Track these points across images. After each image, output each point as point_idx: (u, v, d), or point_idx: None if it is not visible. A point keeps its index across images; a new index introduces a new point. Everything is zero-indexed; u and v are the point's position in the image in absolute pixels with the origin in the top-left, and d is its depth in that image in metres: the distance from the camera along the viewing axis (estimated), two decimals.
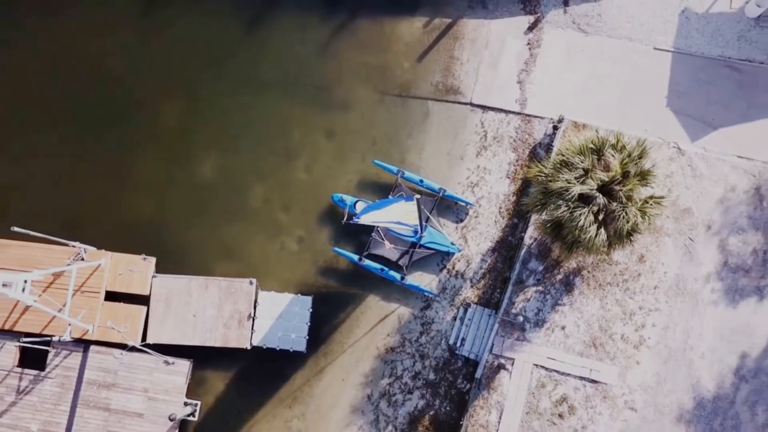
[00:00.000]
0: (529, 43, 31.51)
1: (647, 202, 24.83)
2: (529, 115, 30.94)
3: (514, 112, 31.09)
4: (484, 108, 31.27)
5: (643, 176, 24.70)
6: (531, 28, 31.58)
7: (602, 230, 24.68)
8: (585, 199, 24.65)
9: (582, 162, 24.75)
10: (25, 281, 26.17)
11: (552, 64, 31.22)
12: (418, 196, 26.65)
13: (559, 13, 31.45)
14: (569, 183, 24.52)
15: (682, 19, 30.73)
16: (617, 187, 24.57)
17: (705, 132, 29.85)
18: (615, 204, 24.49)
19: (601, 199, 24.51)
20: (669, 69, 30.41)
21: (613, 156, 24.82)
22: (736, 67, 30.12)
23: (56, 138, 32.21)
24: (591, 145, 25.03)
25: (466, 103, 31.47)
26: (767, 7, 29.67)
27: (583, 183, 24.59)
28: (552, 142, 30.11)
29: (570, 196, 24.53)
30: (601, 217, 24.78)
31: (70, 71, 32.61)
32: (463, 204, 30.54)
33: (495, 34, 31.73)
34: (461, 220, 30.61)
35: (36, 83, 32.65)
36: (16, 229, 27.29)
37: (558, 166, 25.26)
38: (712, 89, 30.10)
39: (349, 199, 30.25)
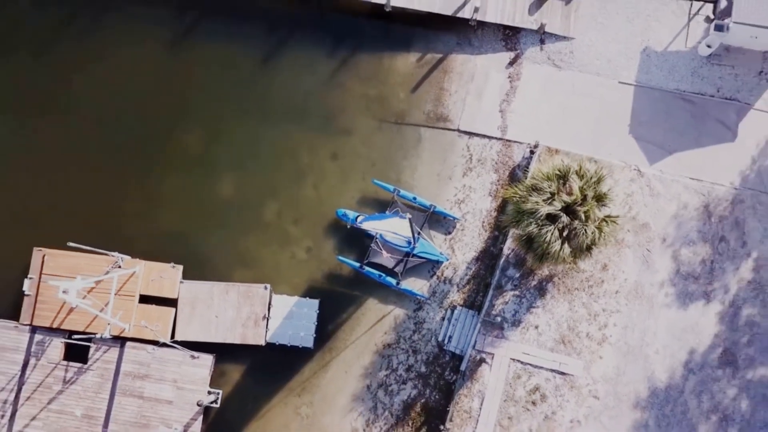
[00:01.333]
0: (509, 77, 34.62)
1: (604, 221, 28.29)
2: (509, 141, 34.03)
3: (496, 138, 34.11)
4: (470, 134, 34.34)
5: (599, 199, 28.19)
6: (511, 63, 34.75)
7: (566, 245, 28.08)
8: (552, 218, 28.06)
9: (549, 187, 28.23)
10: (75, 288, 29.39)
11: (530, 96, 34.28)
12: (410, 215, 29.97)
13: (536, 50, 34.64)
14: (538, 204, 27.97)
15: (644, 57, 33.91)
16: (579, 208, 28.00)
17: (662, 156, 32.94)
18: (576, 222, 27.92)
19: (565, 218, 27.94)
20: (632, 101, 33.52)
21: (576, 181, 28.31)
22: (690, 99, 33.33)
23: (97, 163, 34.98)
24: (557, 172, 28.38)
25: (454, 130, 34.50)
26: (717, 47, 33.11)
27: (549, 204, 28.01)
28: (529, 164, 33.17)
29: (539, 216, 27.92)
30: (565, 233, 28.15)
31: (109, 102, 35.43)
32: (450, 218, 33.46)
33: (480, 68, 34.87)
34: (449, 233, 33.62)
35: (76, 113, 35.42)
36: (71, 244, 30.27)
37: (530, 189, 28.59)
38: (669, 119, 33.22)
39: (351, 214, 32.94)
